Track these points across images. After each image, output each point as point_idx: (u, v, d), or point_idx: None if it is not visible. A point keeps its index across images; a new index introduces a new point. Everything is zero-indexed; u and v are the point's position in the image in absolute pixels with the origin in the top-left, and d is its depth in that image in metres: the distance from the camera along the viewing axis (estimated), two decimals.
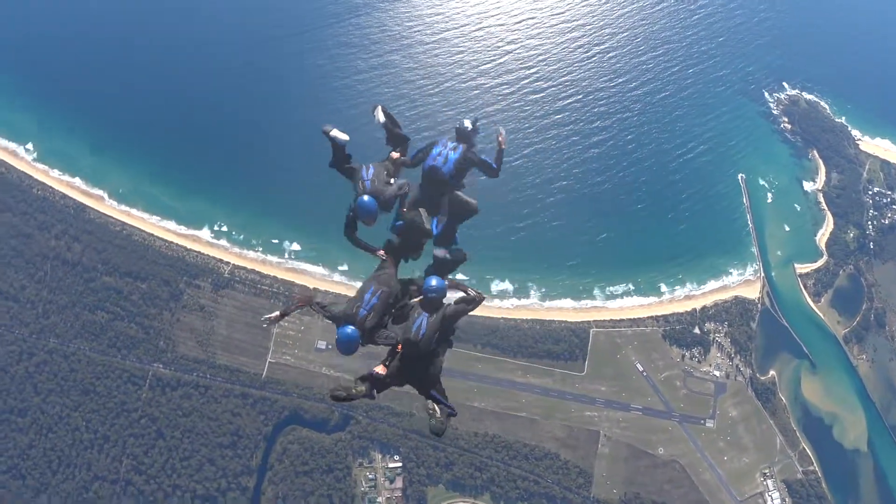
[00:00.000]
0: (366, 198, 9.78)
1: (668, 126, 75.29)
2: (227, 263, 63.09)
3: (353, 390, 9.31)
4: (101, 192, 65.67)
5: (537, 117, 73.00)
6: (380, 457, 58.67)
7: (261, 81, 71.34)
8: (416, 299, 9.91)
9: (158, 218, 64.97)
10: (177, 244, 63.85)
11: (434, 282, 9.49)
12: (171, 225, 64.75)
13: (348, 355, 9.36)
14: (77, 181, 65.97)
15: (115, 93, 69.65)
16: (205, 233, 64.48)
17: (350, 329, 9.16)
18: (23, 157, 66.80)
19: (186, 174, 66.23)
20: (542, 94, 75.02)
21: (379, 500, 57.79)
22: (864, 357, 67.54)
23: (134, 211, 65.15)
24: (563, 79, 76.83)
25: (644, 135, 74.10)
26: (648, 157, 72.79)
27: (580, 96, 75.59)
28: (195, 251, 63.64)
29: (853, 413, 65.26)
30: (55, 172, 66.29)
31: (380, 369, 9.43)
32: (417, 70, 75.00)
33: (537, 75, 76.67)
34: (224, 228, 64.60)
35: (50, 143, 67.27)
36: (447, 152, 10.46)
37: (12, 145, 67.25)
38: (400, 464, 58.42)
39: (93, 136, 67.53)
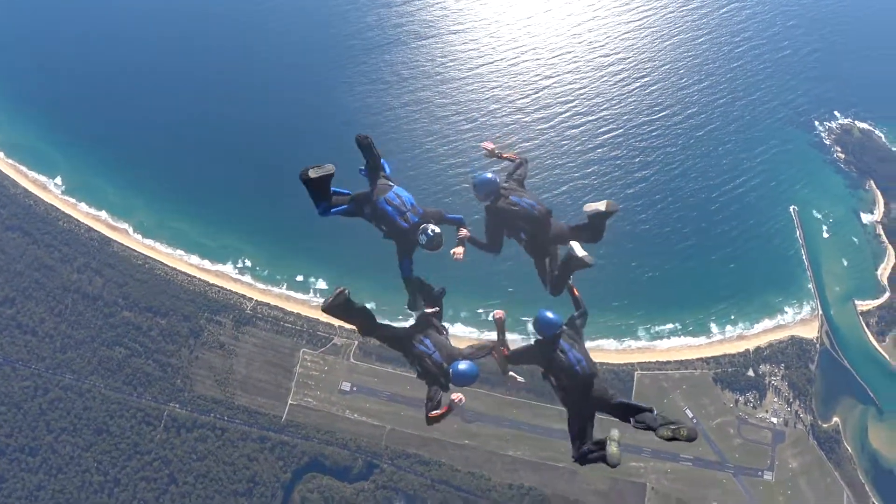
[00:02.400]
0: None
1: (716, 160, 71.69)
2: (250, 299, 60.78)
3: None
4: (125, 226, 64.49)
5: (576, 153, 70.06)
6: None
7: (292, 117, 69.99)
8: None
9: (182, 252, 63.31)
10: (199, 279, 61.89)
11: (463, 366, 9.51)
12: (195, 259, 63.02)
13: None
14: (103, 214, 65.00)
15: (144, 125, 69.20)
16: (228, 268, 62.57)
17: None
18: (51, 191, 66.26)
19: (212, 208, 64.68)
20: (580, 129, 72.22)
21: None
22: None
23: (158, 245, 63.65)
24: (602, 113, 73.98)
25: (690, 169, 70.56)
26: (695, 192, 69.09)
27: (620, 130, 72.64)
28: (217, 286, 61.55)
29: None
30: (82, 206, 65.50)
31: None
32: (450, 106, 73.07)
33: (576, 109, 74.01)
34: (248, 263, 62.64)
35: (79, 177, 66.70)
36: (403, 208, 10.45)
37: (42, 178, 66.84)
38: None
39: (121, 169, 66.81)
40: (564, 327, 9.69)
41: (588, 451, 9.14)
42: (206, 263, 62.65)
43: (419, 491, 54.46)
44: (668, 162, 70.71)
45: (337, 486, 54.66)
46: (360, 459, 55.21)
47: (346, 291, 9.87)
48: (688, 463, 56.40)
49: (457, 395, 9.87)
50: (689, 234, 65.81)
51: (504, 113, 72.64)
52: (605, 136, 72.02)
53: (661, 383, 58.79)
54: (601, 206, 10.05)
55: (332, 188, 10.18)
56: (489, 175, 10.43)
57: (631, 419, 9.02)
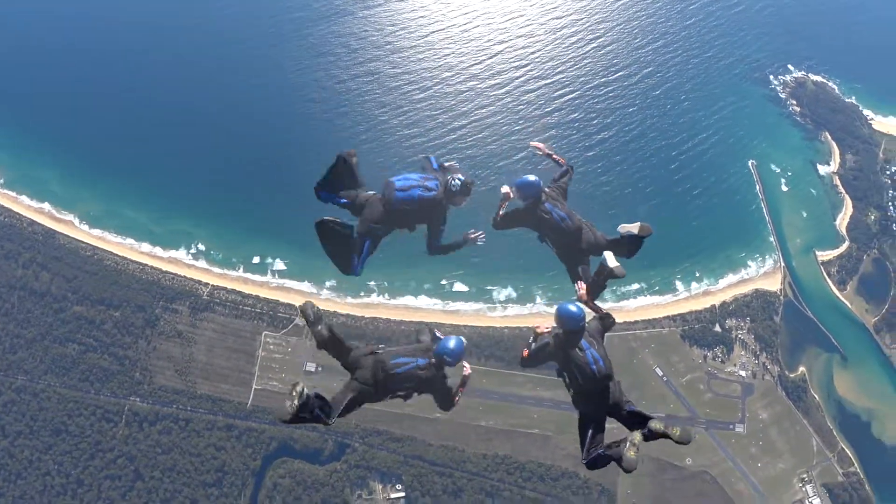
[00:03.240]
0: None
1: (674, 119, 71.48)
2: (206, 285, 58.68)
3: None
4: (70, 217, 61.44)
5: (533, 117, 69.03)
6: (380, 487, 53.55)
7: (237, 93, 67.45)
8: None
9: (132, 240, 60.68)
10: (152, 267, 59.46)
11: (453, 343, 9.17)
12: (146, 247, 60.49)
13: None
14: (46, 206, 61.76)
15: (83, 112, 65.88)
16: (181, 254, 60.20)
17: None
18: None
19: (161, 193, 61.96)
20: (536, 93, 71.08)
21: None
22: None
23: (106, 234, 60.93)
24: (558, 76, 72.96)
25: (649, 129, 70.24)
26: (655, 152, 68.79)
27: (577, 92, 71.73)
28: (171, 273, 59.24)
29: (891, 407, 60.88)
30: (23, 199, 62.22)
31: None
32: (402, 76, 71.11)
33: (531, 73, 72.82)
34: (202, 248, 60.36)
35: (18, 169, 63.26)
36: (417, 184, 9.92)
37: None
38: (403, 494, 53.26)
39: (62, 159, 63.52)
40: (586, 324, 9.25)
41: (600, 456, 8.75)
42: (158, 250, 60.21)
43: (393, 468, 53.59)
44: (627, 122, 70.14)
45: (309, 470, 53.47)
46: (331, 440, 54.09)
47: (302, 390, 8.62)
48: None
49: (466, 369, 9.67)
50: (652, 193, 65.53)
51: (458, 80, 71.08)
52: (562, 100, 71.07)
53: (630, 343, 58.65)
54: (634, 228, 10.13)
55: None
56: (532, 178, 10.19)
57: (639, 429, 8.66)
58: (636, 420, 8.87)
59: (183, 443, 53.74)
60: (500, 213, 10.59)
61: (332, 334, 9.14)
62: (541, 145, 11.36)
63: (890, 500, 57.26)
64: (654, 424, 8.55)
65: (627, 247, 10.33)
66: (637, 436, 8.53)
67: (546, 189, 10.39)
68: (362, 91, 68.74)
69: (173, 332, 56.89)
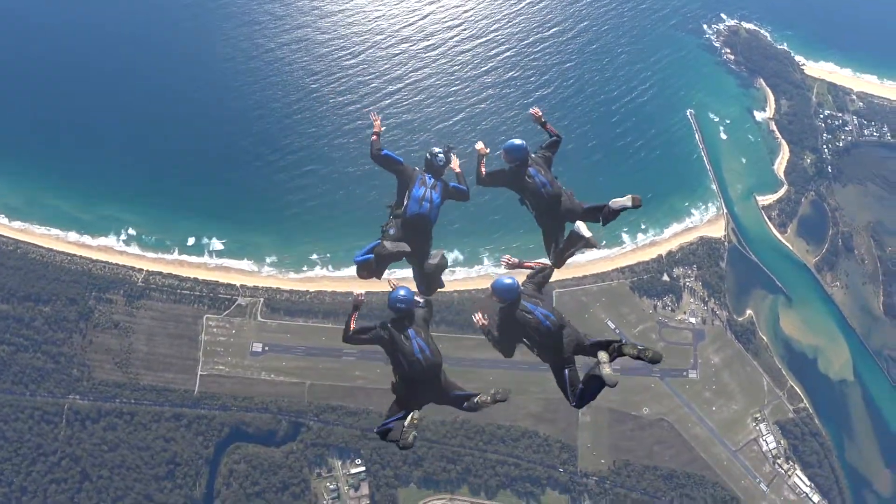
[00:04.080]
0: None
1: (612, 73, 71.39)
2: (141, 271, 56.03)
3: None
4: None
5: (469, 77, 67.57)
6: (339, 463, 52.53)
7: (157, 67, 63.89)
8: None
9: (58, 231, 57.59)
10: (81, 256, 56.46)
11: (402, 291, 9.24)
12: (73, 236, 57.45)
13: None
14: None
15: None
16: (112, 240, 57.39)
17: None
18: None
19: (84, 179, 58.75)
20: (471, 53, 69.58)
21: None
22: (838, 284, 65.46)
23: (29, 226, 57.57)
24: (492, 34, 71.56)
25: (588, 84, 69.89)
26: (595, 107, 68.60)
27: (513, 50, 70.49)
28: (102, 262, 56.36)
29: (835, 343, 63.09)
30: None
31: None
32: (332, 42, 68.48)
33: (464, 33, 71.13)
34: (133, 233, 57.55)
35: None
36: (429, 193, 10.13)
37: None
38: (363, 468, 52.40)
39: None
40: (522, 288, 9.44)
41: (582, 392, 8.96)
42: (87, 239, 57.14)
43: (350, 443, 52.56)
44: (565, 78, 69.52)
45: (264, 453, 52.00)
46: (284, 421, 52.63)
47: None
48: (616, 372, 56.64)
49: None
50: (594, 148, 65.23)
51: (390, 44, 69.04)
52: (499, 58, 69.88)
53: (581, 298, 58.63)
54: (627, 202, 10.30)
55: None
56: (520, 142, 10.50)
57: (603, 352, 8.85)
58: (602, 347, 8.95)
59: (130, 437, 51.48)
60: (484, 169, 10.82)
61: None
62: (538, 112, 11.63)
63: (837, 432, 59.34)
64: (628, 349, 8.67)
65: (605, 217, 10.63)
66: (602, 355, 8.72)
67: (532, 155, 10.69)
68: (291, 59, 66.09)
69: (109, 323, 54.20)
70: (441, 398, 9.47)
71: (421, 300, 9.86)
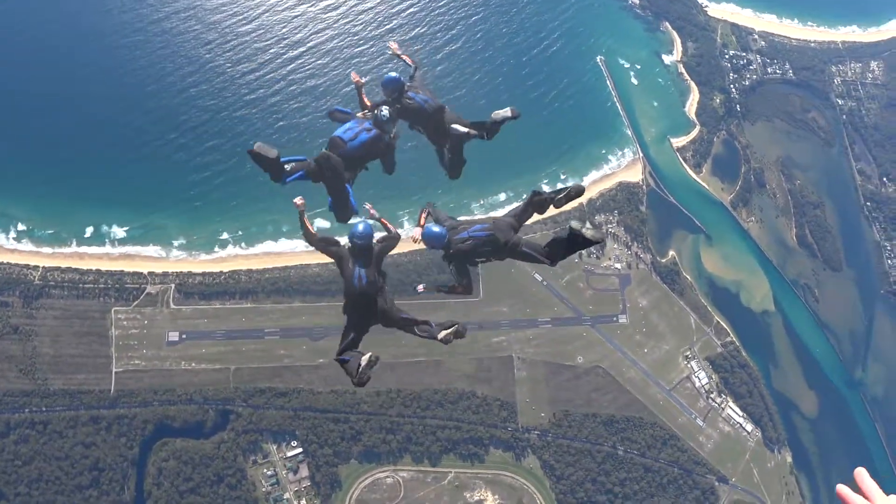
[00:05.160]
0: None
1: (519, 24, 69.93)
2: (36, 268, 51.74)
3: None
4: None
5: (373, 37, 64.90)
6: (274, 448, 50.62)
7: (34, 44, 58.40)
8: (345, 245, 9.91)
9: None
10: None
11: (361, 227, 9.47)
12: None
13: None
14: None
15: None
16: (1, 238, 52.54)
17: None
18: None
19: None
20: (374, 11, 66.69)
21: (286, 496, 50.01)
22: (753, 219, 67.41)
23: None
24: None
25: (496, 37, 68.31)
26: (506, 60, 67.22)
27: (418, 5, 68.03)
28: None
29: (755, 276, 65.15)
30: None
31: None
32: (224, 7, 63.79)
33: None
34: (23, 227, 52.96)
35: None
36: (360, 130, 10.57)
37: None
38: (300, 449, 50.64)
39: None
40: (446, 226, 10.14)
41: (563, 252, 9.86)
42: None
43: (284, 425, 50.61)
44: (473, 32, 67.76)
45: (193, 446, 49.48)
46: (211, 410, 50.10)
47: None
48: (547, 325, 56.87)
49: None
50: (507, 101, 63.01)
51: (286, 5, 65.12)
52: (402, 14, 67.41)
53: None
54: (507, 112, 10.61)
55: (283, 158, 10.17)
56: (394, 74, 11.09)
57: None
58: (535, 206, 9.91)
59: (45, 448, 47.97)
60: (367, 101, 11.31)
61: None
62: (395, 45, 12.25)
63: (763, 361, 61.68)
64: (557, 199, 9.42)
65: (489, 131, 10.97)
66: (574, 223, 9.43)
67: (408, 84, 11.19)
68: (180, 30, 61.50)
69: (7, 327, 49.98)
70: (387, 321, 9.81)
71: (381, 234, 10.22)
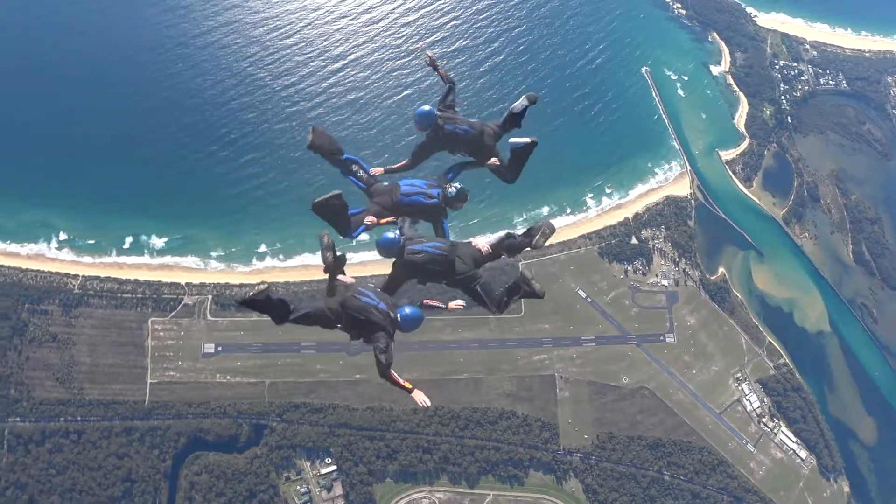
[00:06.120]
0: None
1: (563, 35, 69.19)
2: (76, 277, 52.17)
3: None
4: None
5: (415, 51, 64.37)
6: (308, 464, 49.66)
7: (83, 60, 59.48)
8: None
9: None
10: (9, 267, 52.22)
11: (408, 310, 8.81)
12: None
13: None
14: None
15: None
16: (42, 247, 53.33)
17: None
18: None
19: (6, 181, 54.08)
20: (416, 24, 66.56)
21: None
22: (807, 235, 64.96)
23: None
24: (436, 3, 68.34)
25: (540, 49, 67.74)
26: (550, 72, 66.38)
27: (461, 18, 67.66)
28: (34, 270, 52.26)
29: (809, 294, 62.58)
30: None
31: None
32: (265, 22, 64.87)
33: (406, 4, 67.90)
34: (65, 237, 53.55)
35: None
36: (421, 192, 9.87)
37: None
38: (334, 467, 49.60)
39: None
40: (403, 234, 9.50)
41: (504, 292, 9.20)
42: (14, 247, 52.97)
43: (318, 441, 49.62)
44: (517, 45, 66.96)
45: (226, 460, 48.83)
46: (245, 424, 49.50)
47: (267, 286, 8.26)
48: (591, 343, 55.05)
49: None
50: (552, 115, 62.66)
51: (327, 20, 65.26)
52: (446, 28, 66.85)
53: (549, 269, 56.43)
54: (524, 101, 10.29)
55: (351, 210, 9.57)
56: (427, 108, 10.35)
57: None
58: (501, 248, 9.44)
59: (79, 458, 47.83)
60: (403, 163, 10.96)
61: (336, 260, 9.00)
62: (431, 55, 11.62)
63: (818, 384, 58.81)
64: (518, 241, 9.25)
65: (510, 122, 10.63)
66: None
67: (440, 114, 10.60)
68: (222, 44, 62.03)
69: (46, 336, 50.26)
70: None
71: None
